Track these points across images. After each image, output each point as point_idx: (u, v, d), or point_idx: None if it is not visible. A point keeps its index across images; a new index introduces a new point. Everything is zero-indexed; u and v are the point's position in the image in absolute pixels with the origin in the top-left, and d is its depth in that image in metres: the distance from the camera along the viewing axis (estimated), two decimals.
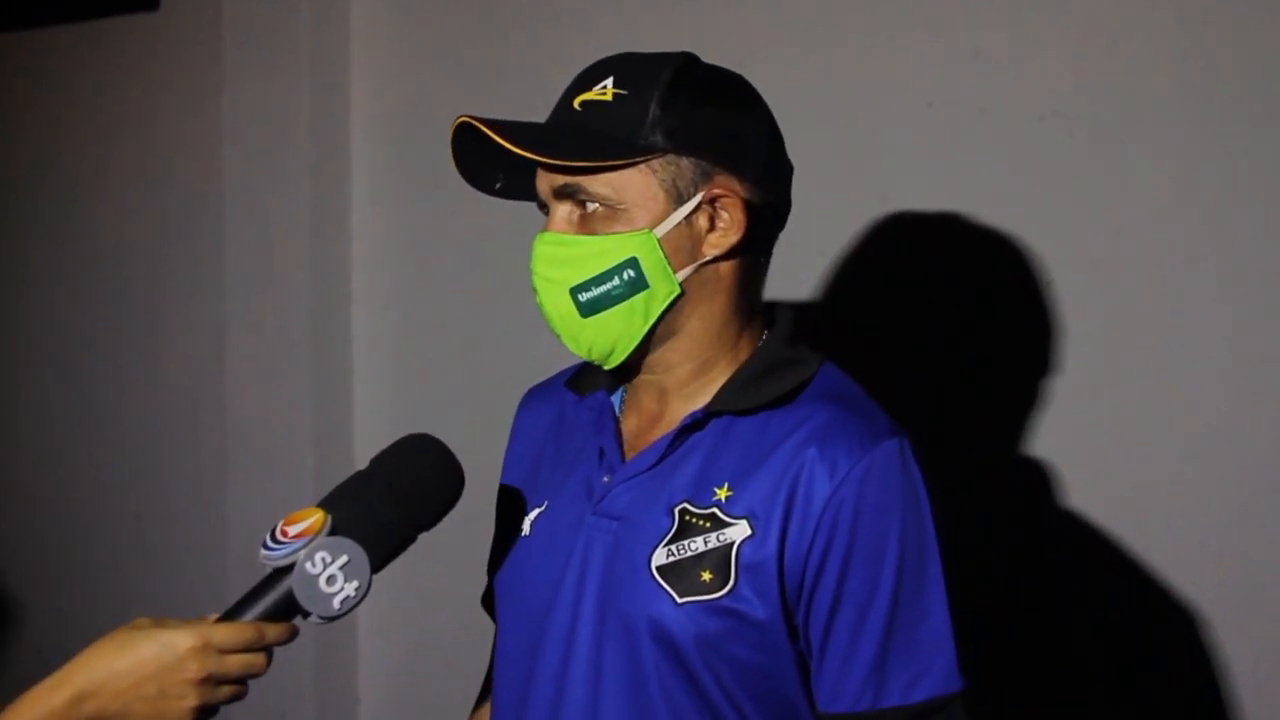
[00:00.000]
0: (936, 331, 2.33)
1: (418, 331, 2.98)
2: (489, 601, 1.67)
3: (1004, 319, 2.28)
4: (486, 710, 1.65)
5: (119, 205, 3.36)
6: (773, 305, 1.55)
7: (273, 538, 1.30)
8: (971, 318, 2.30)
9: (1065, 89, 2.20)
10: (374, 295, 3.02)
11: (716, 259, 1.44)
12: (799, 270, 2.34)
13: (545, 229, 1.45)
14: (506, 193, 1.53)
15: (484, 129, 1.39)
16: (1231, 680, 2.12)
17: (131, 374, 3.37)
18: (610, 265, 1.40)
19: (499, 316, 2.85)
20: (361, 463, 1.42)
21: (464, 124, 1.42)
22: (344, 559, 1.28)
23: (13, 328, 3.64)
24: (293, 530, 1.29)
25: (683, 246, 1.42)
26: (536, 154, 1.38)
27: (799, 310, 1.56)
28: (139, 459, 3.37)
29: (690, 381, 1.48)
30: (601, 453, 1.50)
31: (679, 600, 1.39)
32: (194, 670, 1.24)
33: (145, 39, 3.26)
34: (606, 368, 1.48)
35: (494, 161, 1.46)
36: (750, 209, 1.44)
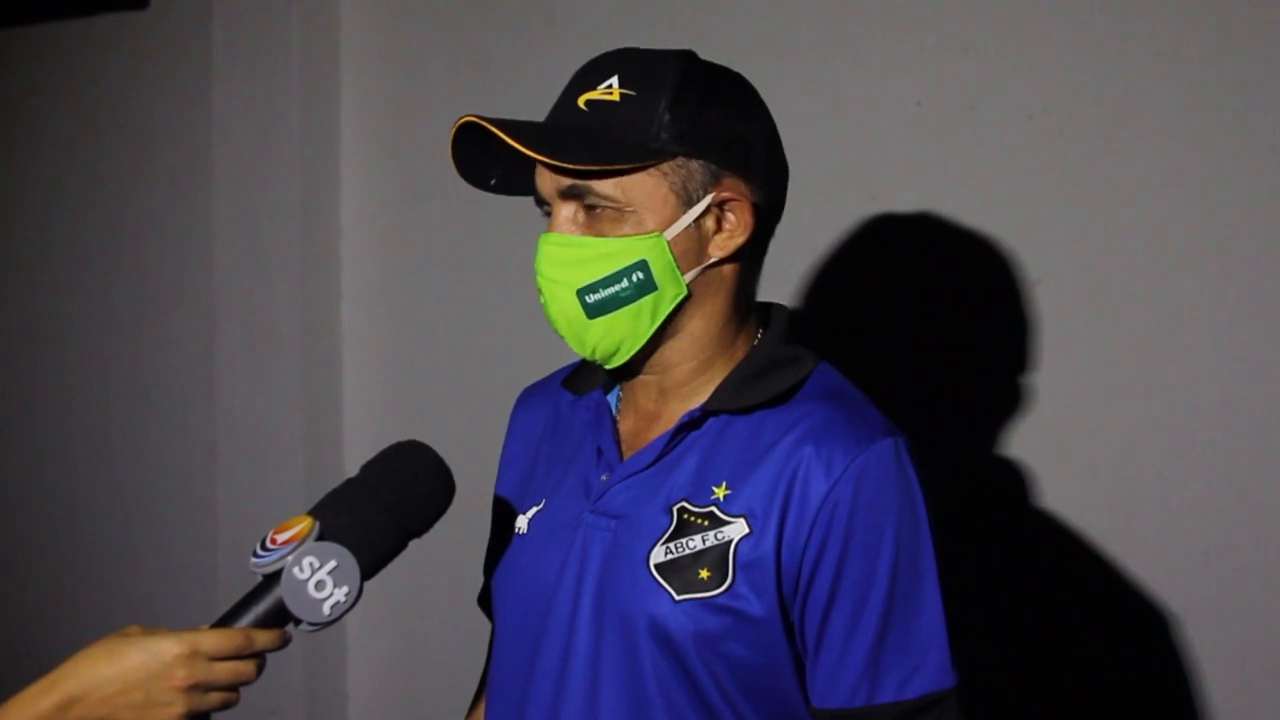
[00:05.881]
0: (925, 330, 2.33)
1: (408, 329, 2.98)
2: (486, 601, 1.67)
3: (993, 317, 2.29)
4: (483, 709, 1.66)
5: (108, 203, 3.36)
6: (767, 305, 1.56)
7: (262, 545, 1.30)
8: (960, 316, 2.31)
9: (1054, 87, 2.21)
10: (364, 293, 3.02)
11: (721, 261, 1.45)
12: (787, 269, 2.35)
13: (549, 229, 1.44)
14: (501, 188, 1.52)
15: (493, 129, 1.38)
16: (1219, 679, 2.13)
17: (121, 372, 3.36)
18: (619, 267, 1.40)
19: (489, 314, 2.85)
20: (352, 462, 1.42)
21: (466, 122, 1.41)
22: (332, 564, 1.29)
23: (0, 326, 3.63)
24: (281, 537, 1.30)
25: (690, 249, 1.43)
26: (548, 157, 1.38)
27: (794, 306, 1.56)
28: (128, 459, 3.36)
29: (689, 381, 1.49)
30: (599, 451, 1.51)
31: (677, 598, 1.40)
32: (181, 677, 1.24)
33: (135, 36, 3.26)
34: (608, 367, 1.49)
35: (490, 158, 1.46)
36: (756, 211, 1.45)
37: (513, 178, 1.49)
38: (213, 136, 3.06)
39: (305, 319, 2.99)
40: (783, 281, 2.34)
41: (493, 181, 1.51)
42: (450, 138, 1.44)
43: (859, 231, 2.36)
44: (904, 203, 2.33)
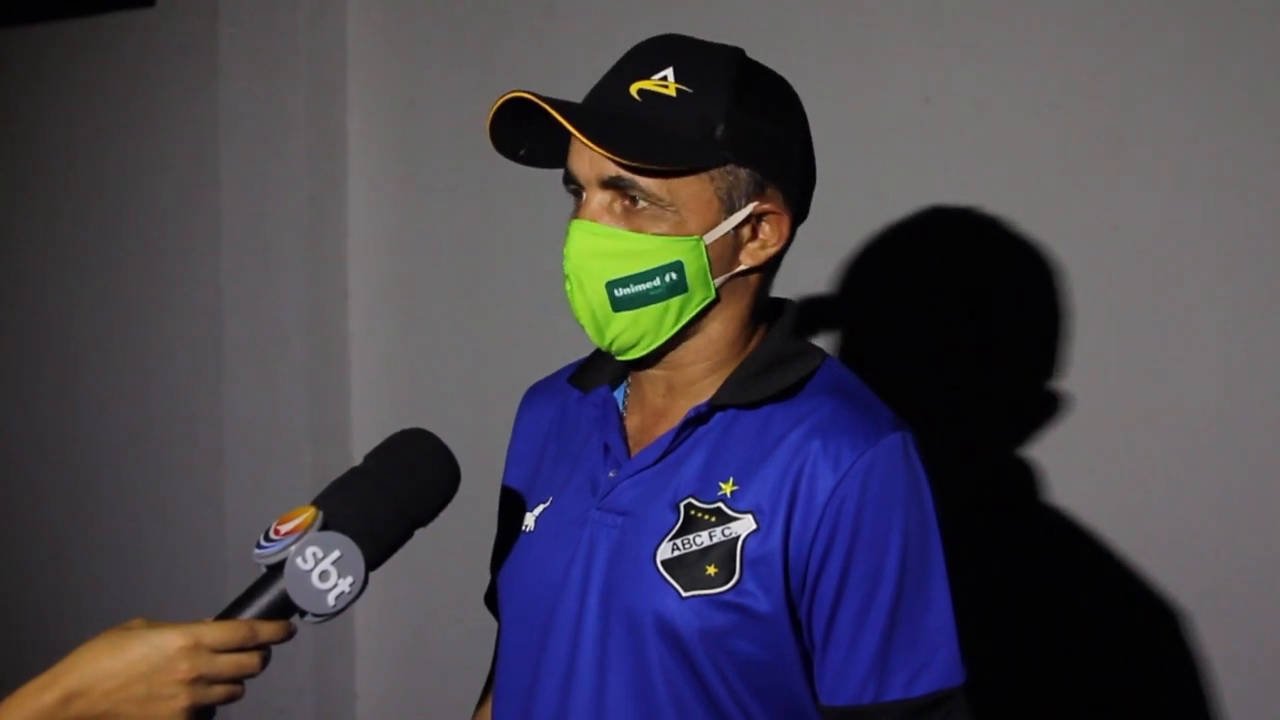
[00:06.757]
0: (931, 328, 2.33)
1: (414, 328, 2.98)
2: (492, 599, 1.66)
3: (1000, 315, 2.28)
4: (490, 707, 1.65)
5: (114, 202, 3.36)
6: (776, 300, 1.55)
7: (266, 536, 1.29)
8: (968, 314, 2.30)
9: (1062, 83, 2.20)
10: (370, 292, 3.01)
11: (749, 269, 1.45)
12: (793, 266, 2.32)
13: (580, 215, 1.42)
14: (531, 160, 1.50)
15: (551, 111, 1.35)
16: (1229, 676, 2.12)
17: (127, 371, 3.36)
18: (654, 265, 1.39)
19: (496, 313, 2.84)
20: (359, 459, 1.41)
21: (511, 97, 1.38)
22: (336, 554, 1.27)
23: (6, 324, 3.63)
24: (285, 528, 1.28)
25: (724, 255, 1.42)
26: (604, 148, 1.35)
27: (802, 304, 1.56)
28: (135, 457, 3.36)
29: (699, 380, 1.48)
30: (606, 448, 1.50)
31: (684, 594, 1.39)
32: (184, 670, 1.23)
33: (141, 35, 3.26)
34: (621, 359, 1.48)
35: (521, 130, 1.44)
36: (790, 223, 1.45)
37: (544, 151, 1.47)
38: (219, 135, 3.06)
39: (312, 318, 2.98)
40: (791, 280, 2.32)
41: (522, 152, 1.48)
42: (493, 109, 1.40)
43: (866, 228, 2.35)
44: (911, 200, 2.32)
